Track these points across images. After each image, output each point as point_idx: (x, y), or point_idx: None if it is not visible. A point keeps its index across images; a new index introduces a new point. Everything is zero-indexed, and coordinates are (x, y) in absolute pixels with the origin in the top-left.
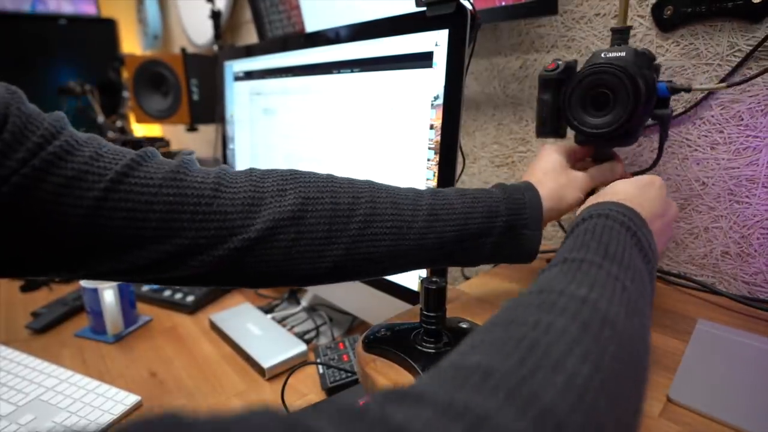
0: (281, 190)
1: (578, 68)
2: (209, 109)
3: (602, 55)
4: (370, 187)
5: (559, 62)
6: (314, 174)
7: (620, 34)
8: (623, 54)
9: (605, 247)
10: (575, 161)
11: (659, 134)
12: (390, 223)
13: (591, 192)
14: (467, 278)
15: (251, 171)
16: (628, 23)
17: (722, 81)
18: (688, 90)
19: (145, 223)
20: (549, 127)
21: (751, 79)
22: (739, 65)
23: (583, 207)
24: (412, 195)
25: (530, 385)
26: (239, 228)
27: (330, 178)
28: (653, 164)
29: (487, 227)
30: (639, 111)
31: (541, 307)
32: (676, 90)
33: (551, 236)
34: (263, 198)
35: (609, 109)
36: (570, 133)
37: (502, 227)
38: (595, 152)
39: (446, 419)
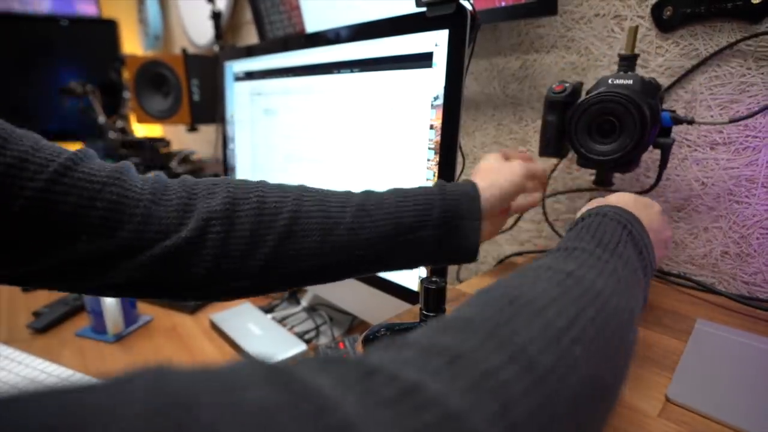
0: (211, 192)
1: (583, 91)
2: (210, 109)
3: (609, 81)
4: (299, 188)
5: (567, 85)
6: (245, 180)
7: (628, 62)
8: (630, 82)
9: (599, 238)
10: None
11: (659, 162)
12: (317, 220)
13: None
14: (461, 281)
15: (185, 179)
16: (629, 23)
17: (682, 77)
18: (690, 122)
19: (87, 219)
20: (552, 147)
21: (753, 115)
22: (694, 68)
23: (584, 209)
24: (342, 195)
25: (507, 328)
26: (174, 228)
27: (260, 182)
28: (651, 188)
29: (421, 219)
30: (645, 140)
31: (527, 276)
32: (679, 121)
33: (530, 238)
34: (195, 200)
35: (615, 136)
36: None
37: (437, 219)
38: (597, 177)
39: (427, 356)
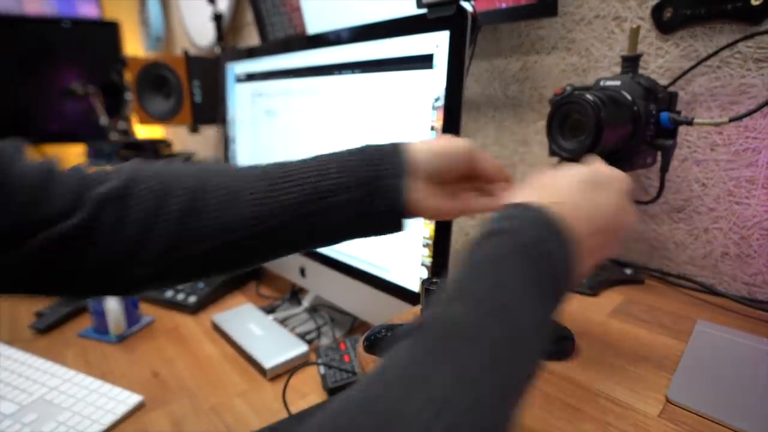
0: (108, 178)
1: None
2: (211, 110)
3: (600, 83)
4: (213, 165)
5: (568, 89)
6: (154, 162)
7: (630, 62)
8: (618, 83)
9: (489, 294)
10: None
11: (660, 164)
12: (222, 192)
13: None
14: None
15: (80, 166)
16: (629, 24)
17: (677, 78)
18: (690, 123)
19: None
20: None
21: (753, 112)
22: (690, 69)
23: (500, 209)
24: (268, 166)
25: None
26: (64, 215)
27: (162, 164)
28: (657, 196)
29: (337, 182)
30: (602, 140)
31: (401, 399)
32: (678, 122)
33: None
34: (90, 185)
35: (581, 135)
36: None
37: (357, 179)
38: None
39: None
